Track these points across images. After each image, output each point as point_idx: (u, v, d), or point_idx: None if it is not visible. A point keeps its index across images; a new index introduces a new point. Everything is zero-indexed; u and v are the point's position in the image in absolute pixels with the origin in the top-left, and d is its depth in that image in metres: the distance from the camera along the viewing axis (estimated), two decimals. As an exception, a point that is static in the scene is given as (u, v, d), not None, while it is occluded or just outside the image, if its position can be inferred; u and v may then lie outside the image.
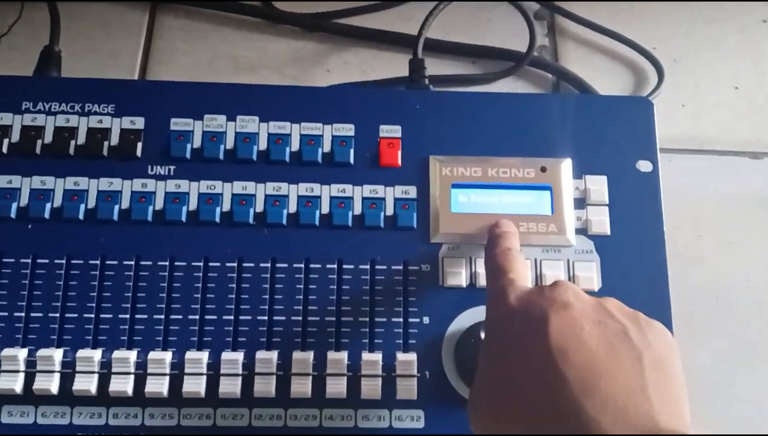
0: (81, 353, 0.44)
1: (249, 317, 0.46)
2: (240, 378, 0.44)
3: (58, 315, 0.45)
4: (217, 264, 0.47)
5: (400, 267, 0.48)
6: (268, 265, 0.47)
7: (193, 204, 0.48)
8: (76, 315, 0.46)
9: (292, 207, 0.48)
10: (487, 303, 0.42)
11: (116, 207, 0.48)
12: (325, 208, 0.49)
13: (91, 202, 0.48)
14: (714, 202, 0.61)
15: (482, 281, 0.47)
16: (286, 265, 0.47)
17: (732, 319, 0.57)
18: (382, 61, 0.65)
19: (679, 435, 0.32)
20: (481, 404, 0.38)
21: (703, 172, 0.62)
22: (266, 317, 0.46)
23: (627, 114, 0.52)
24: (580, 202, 0.50)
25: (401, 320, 0.47)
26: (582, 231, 0.49)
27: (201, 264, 0.47)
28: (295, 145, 0.50)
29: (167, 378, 0.44)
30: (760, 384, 0.55)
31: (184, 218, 0.48)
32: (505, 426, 0.36)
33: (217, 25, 0.65)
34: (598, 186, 0.50)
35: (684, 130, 0.63)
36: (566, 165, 0.50)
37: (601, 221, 0.49)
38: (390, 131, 0.51)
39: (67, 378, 0.44)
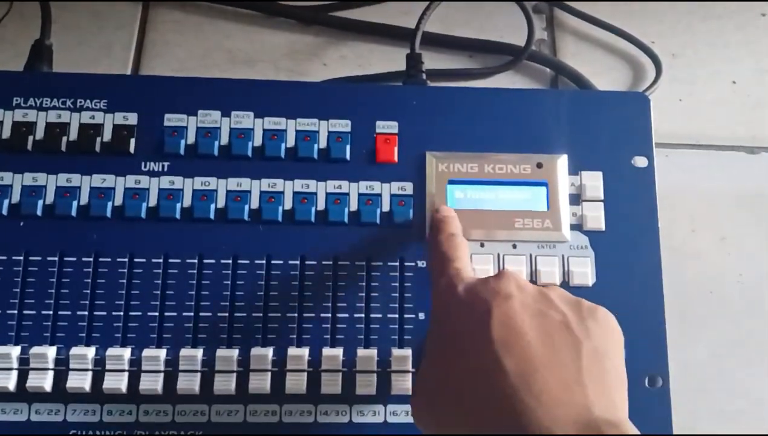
0: (74, 350, 0.45)
1: (244, 314, 0.46)
2: (235, 375, 0.45)
3: (51, 312, 0.46)
4: (212, 261, 0.47)
5: (396, 263, 0.48)
6: (264, 261, 0.47)
7: (187, 201, 0.48)
8: (69, 312, 0.46)
9: (288, 203, 0.49)
10: (433, 293, 0.42)
11: (109, 204, 0.48)
12: (321, 205, 0.49)
13: (84, 199, 0.48)
14: (709, 197, 0.61)
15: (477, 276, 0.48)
16: (281, 262, 0.48)
17: (726, 314, 0.57)
18: (379, 55, 0.65)
19: (609, 422, 0.33)
20: (421, 395, 0.39)
21: (699, 167, 0.62)
22: (261, 314, 0.47)
23: (623, 109, 0.52)
24: (576, 198, 0.50)
25: (397, 315, 0.47)
26: (577, 227, 0.49)
27: (195, 261, 0.47)
28: (290, 141, 0.50)
29: (161, 375, 0.45)
30: (753, 378, 0.56)
31: (178, 215, 0.48)
32: (441, 417, 0.37)
33: (212, 18, 0.66)
34: (594, 182, 0.50)
35: (681, 126, 0.64)
36: (562, 161, 0.51)
37: (596, 217, 0.49)
38: (386, 127, 0.51)
39: (60, 375, 0.44)
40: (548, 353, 0.36)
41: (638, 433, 0.33)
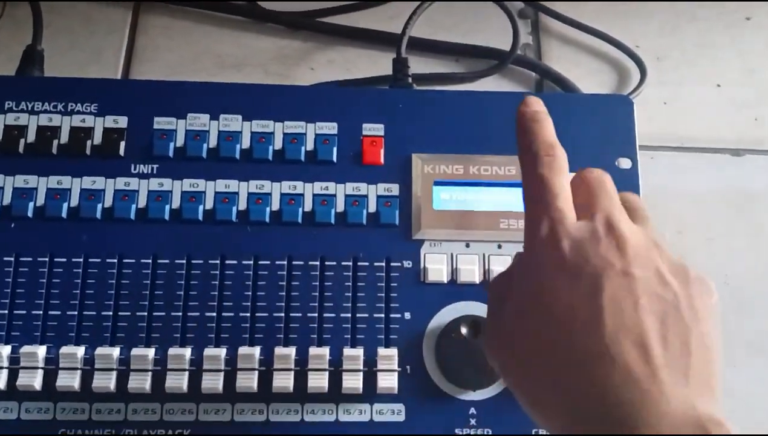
0: (64, 349, 0.45)
1: (232, 314, 0.47)
2: (222, 374, 0.46)
3: (41, 312, 0.47)
4: (200, 262, 0.48)
5: (383, 264, 0.49)
6: (251, 262, 0.48)
7: (176, 202, 0.49)
8: (59, 312, 0.47)
9: (275, 205, 0.50)
10: (529, 231, 0.38)
11: (99, 205, 0.49)
12: (308, 206, 0.50)
13: (74, 201, 0.49)
14: (696, 198, 0.62)
15: (462, 278, 0.49)
16: (269, 262, 0.48)
17: (711, 314, 0.58)
18: (366, 59, 0.66)
19: (714, 420, 0.31)
20: (503, 351, 0.37)
21: (684, 169, 0.63)
22: (249, 314, 0.47)
23: (607, 112, 0.53)
24: (560, 200, 0.51)
25: (383, 315, 0.48)
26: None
27: (184, 262, 0.48)
28: (278, 143, 0.51)
29: (150, 374, 0.45)
30: (740, 378, 0.57)
31: (167, 216, 0.49)
32: (531, 384, 0.35)
33: (201, 23, 0.67)
34: (578, 183, 0.51)
35: (666, 128, 0.65)
36: (546, 163, 0.52)
37: (580, 218, 0.50)
38: (373, 130, 0.52)
39: (50, 374, 0.45)
40: (659, 345, 0.33)
41: (735, 430, 0.32)
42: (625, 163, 0.52)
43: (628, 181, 0.52)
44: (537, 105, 0.41)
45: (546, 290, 0.35)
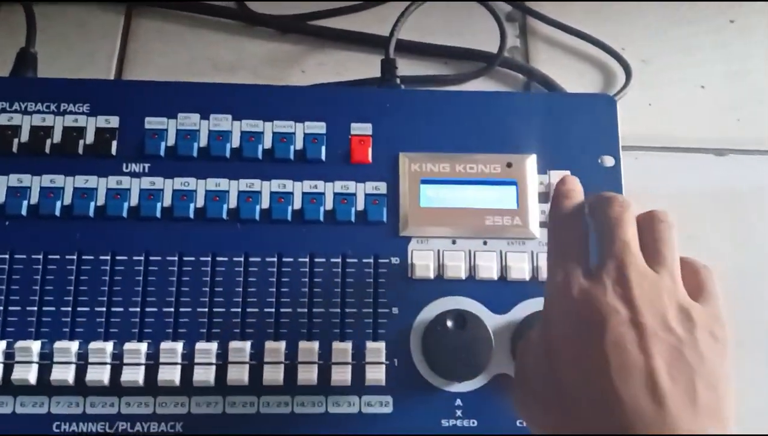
0: (58, 344, 0.46)
1: (223, 309, 0.48)
2: (214, 367, 0.47)
3: (36, 308, 0.47)
4: (192, 258, 0.49)
5: (371, 260, 0.50)
6: (242, 259, 0.49)
7: (167, 200, 0.50)
8: (53, 308, 0.48)
9: (265, 203, 0.51)
10: (547, 286, 0.41)
11: (92, 204, 0.50)
12: (297, 204, 0.51)
13: (67, 199, 0.50)
14: (679, 198, 0.63)
15: (449, 273, 0.50)
16: (259, 259, 0.49)
17: (695, 310, 0.59)
18: (356, 61, 0.67)
19: None
20: (526, 394, 0.40)
21: (668, 169, 0.64)
22: (239, 309, 0.48)
23: (590, 111, 0.54)
24: (544, 197, 0.52)
25: (371, 310, 0.49)
26: (546, 224, 0.51)
27: (175, 259, 0.49)
28: (267, 142, 0.52)
29: (143, 368, 0.47)
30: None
31: (158, 214, 0.50)
32: (547, 420, 0.38)
33: (193, 27, 0.68)
34: (562, 181, 0.52)
35: (650, 129, 0.66)
36: (531, 161, 0.53)
37: (564, 214, 0.52)
38: (361, 129, 0.53)
39: (45, 369, 0.46)
40: (667, 382, 0.34)
41: None
42: (608, 161, 0.53)
43: (611, 179, 0.53)
44: (572, 184, 0.45)
45: (555, 338, 0.38)
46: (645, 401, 0.34)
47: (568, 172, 0.52)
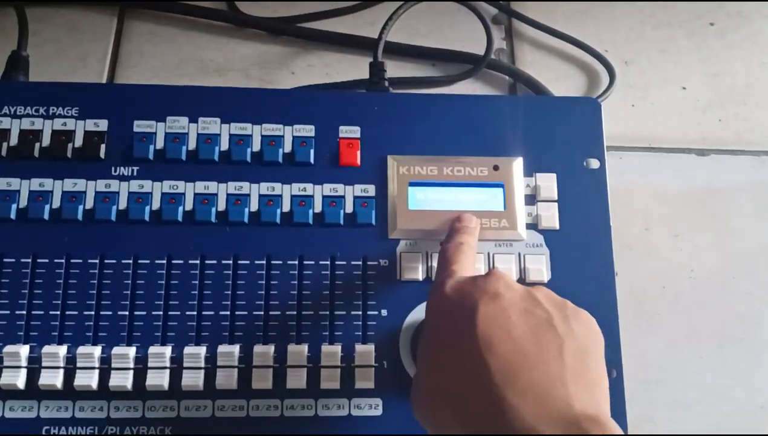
0: (47, 348, 0.44)
1: (211, 313, 0.46)
2: (203, 371, 0.45)
3: (24, 312, 0.45)
4: (180, 262, 0.47)
5: (360, 262, 0.48)
6: (230, 262, 0.47)
7: (156, 203, 0.48)
8: (41, 312, 0.45)
9: (254, 206, 0.49)
10: (429, 292, 0.42)
11: (80, 207, 0.47)
12: (287, 207, 0.49)
13: (56, 203, 0.48)
14: (662, 197, 0.61)
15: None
16: (248, 262, 0.47)
17: (678, 307, 0.58)
18: (345, 63, 0.65)
19: (590, 417, 0.33)
20: (418, 391, 0.39)
21: (651, 168, 0.63)
22: (228, 312, 0.46)
23: (576, 114, 0.53)
24: (531, 199, 0.50)
25: (360, 312, 0.47)
26: (532, 226, 0.50)
27: (164, 262, 0.47)
28: (256, 145, 0.50)
29: (131, 372, 0.44)
30: (706, 369, 0.56)
31: (147, 217, 0.48)
32: (437, 413, 0.36)
33: (184, 30, 0.65)
34: (548, 183, 0.50)
35: (634, 129, 0.64)
36: (518, 163, 0.51)
37: (550, 216, 0.50)
38: (349, 132, 0.51)
39: (33, 373, 0.44)
40: (533, 351, 0.35)
41: (619, 429, 0.33)
42: (593, 163, 0.51)
43: (596, 181, 0.51)
44: (467, 222, 0.47)
45: (436, 326, 0.39)
46: (512, 370, 0.34)
47: (554, 175, 0.51)
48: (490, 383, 0.34)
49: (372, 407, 0.46)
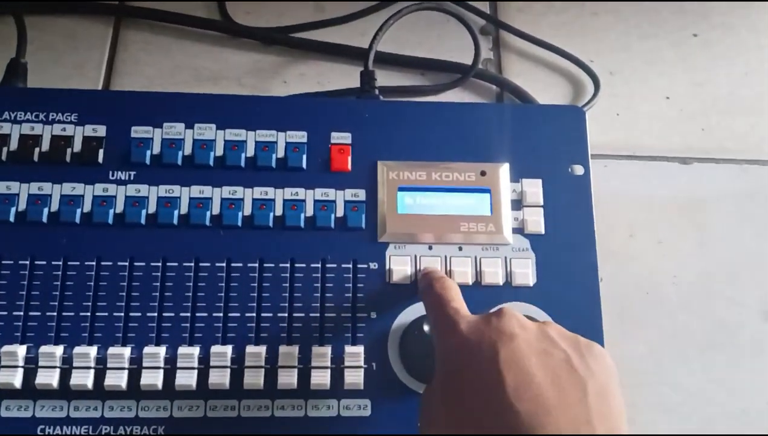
0: (44, 348, 0.45)
1: (205, 314, 0.47)
2: (196, 372, 0.45)
3: (22, 313, 0.46)
4: (175, 264, 0.48)
5: (350, 265, 0.49)
6: (224, 265, 0.48)
7: (152, 207, 0.49)
8: (38, 313, 0.46)
9: (247, 210, 0.49)
10: (437, 333, 0.42)
11: (78, 211, 0.48)
12: (279, 211, 0.50)
13: (54, 206, 0.48)
14: (646, 204, 0.63)
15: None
16: (241, 264, 0.48)
17: (661, 312, 0.59)
18: (336, 73, 0.66)
19: None
20: (437, 428, 0.38)
21: (636, 176, 0.64)
22: (221, 314, 0.47)
23: (561, 122, 0.54)
24: (517, 204, 0.51)
25: (350, 314, 0.48)
26: (518, 230, 0.51)
27: (159, 264, 0.48)
28: (250, 151, 0.51)
29: (126, 372, 0.45)
30: (689, 373, 0.57)
31: (143, 221, 0.48)
32: None
33: (179, 39, 0.66)
34: (534, 189, 0.51)
35: (618, 138, 0.65)
36: (504, 169, 0.52)
37: (536, 221, 0.51)
38: (341, 138, 0.52)
39: (30, 373, 0.45)
40: (557, 394, 0.35)
41: None
42: (578, 169, 0.52)
43: (580, 187, 0.52)
44: (435, 273, 0.47)
45: (455, 371, 0.38)
46: (536, 416, 0.34)
47: (539, 181, 0.52)
48: (519, 428, 0.34)
49: (361, 408, 0.46)
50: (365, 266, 0.49)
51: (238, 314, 0.47)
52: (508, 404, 0.35)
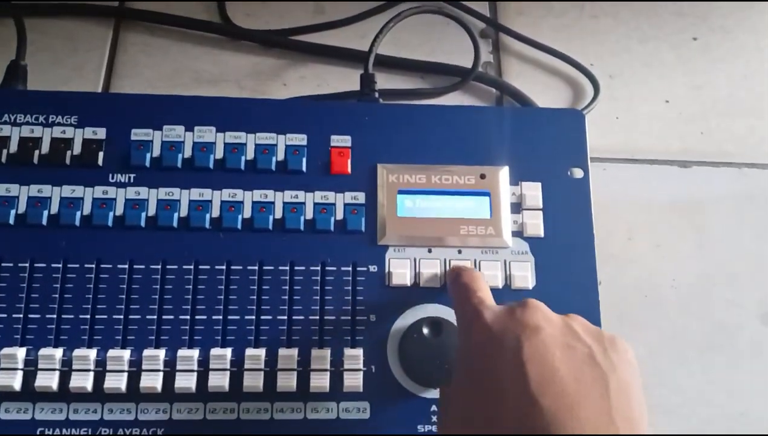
0: (43, 351, 0.45)
1: (204, 317, 0.47)
2: (195, 374, 0.45)
3: (21, 315, 0.46)
4: (175, 267, 0.48)
5: (349, 268, 0.49)
6: (224, 267, 0.48)
7: (152, 210, 0.49)
8: (38, 316, 0.46)
9: (247, 212, 0.49)
10: (460, 323, 0.42)
11: (78, 213, 0.48)
12: (279, 214, 0.50)
13: (54, 209, 0.48)
14: (645, 207, 0.63)
15: (425, 281, 0.49)
16: (240, 267, 0.48)
17: (660, 315, 0.59)
18: (336, 75, 0.66)
19: None
20: (454, 425, 0.38)
21: (635, 180, 0.64)
22: (221, 317, 0.47)
23: (560, 125, 0.54)
24: (517, 207, 0.51)
25: (349, 317, 0.48)
26: (518, 233, 0.51)
27: (159, 267, 0.48)
28: (250, 153, 0.51)
29: (125, 375, 0.45)
30: (688, 375, 0.57)
31: (143, 223, 0.49)
32: None
33: (179, 41, 0.66)
34: (533, 192, 0.52)
35: (618, 141, 0.65)
36: (504, 172, 0.52)
37: (535, 224, 0.51)
38: (340, 141, 0.52)
39: (29, 375, 0.45)
40: (580, 389, 0.35)
41: None
42: (577, 172, 0.53)
43: (580, 190, 0.52)
44: (463, 266, 0.48)
45: (478, 360, 0.38)
46: (560, 412, 0.34)
47: (539, 184, 0.52)
48: (542, 423, 0.34)
49: (360, 411, 0.46)
50: (365, 268, 0.49)
51: (238, 317, 0.47)
52: (532, 398, 0.34)
